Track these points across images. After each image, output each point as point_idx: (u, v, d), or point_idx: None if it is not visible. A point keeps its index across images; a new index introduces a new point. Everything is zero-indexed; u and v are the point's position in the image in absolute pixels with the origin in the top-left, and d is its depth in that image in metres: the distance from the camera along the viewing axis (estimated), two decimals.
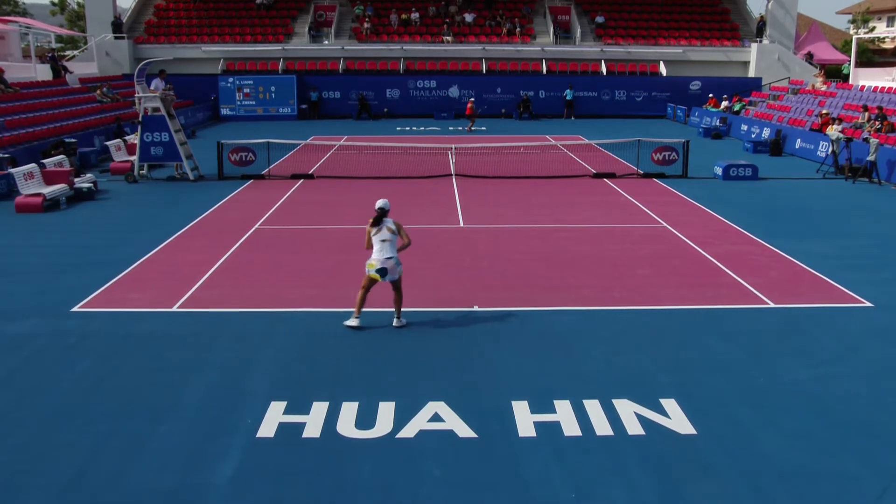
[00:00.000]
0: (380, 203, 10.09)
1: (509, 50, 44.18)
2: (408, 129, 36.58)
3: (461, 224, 16.46)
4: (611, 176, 22.66)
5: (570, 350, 9.58)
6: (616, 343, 9.83)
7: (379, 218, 10.04)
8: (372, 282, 10.08)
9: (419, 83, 42.31)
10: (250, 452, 7.16)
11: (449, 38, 44.40)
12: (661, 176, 22.68)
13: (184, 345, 9.71)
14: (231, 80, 40.80)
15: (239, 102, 40.79)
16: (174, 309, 11.03)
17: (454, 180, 21.82)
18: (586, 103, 42.49)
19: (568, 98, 41.84)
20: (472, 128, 35.94)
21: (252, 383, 8.60)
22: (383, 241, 9.96)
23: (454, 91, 42.28)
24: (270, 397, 8.23)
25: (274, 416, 7.82)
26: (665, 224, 16.52)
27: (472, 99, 37.91)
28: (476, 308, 11.03)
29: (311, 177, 22.25)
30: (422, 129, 36.64)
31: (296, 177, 22.11)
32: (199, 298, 11.48)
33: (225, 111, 40.78)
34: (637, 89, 43.01)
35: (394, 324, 10.32)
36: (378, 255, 9.97)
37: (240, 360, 9.23)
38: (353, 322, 10.18)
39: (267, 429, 7.59)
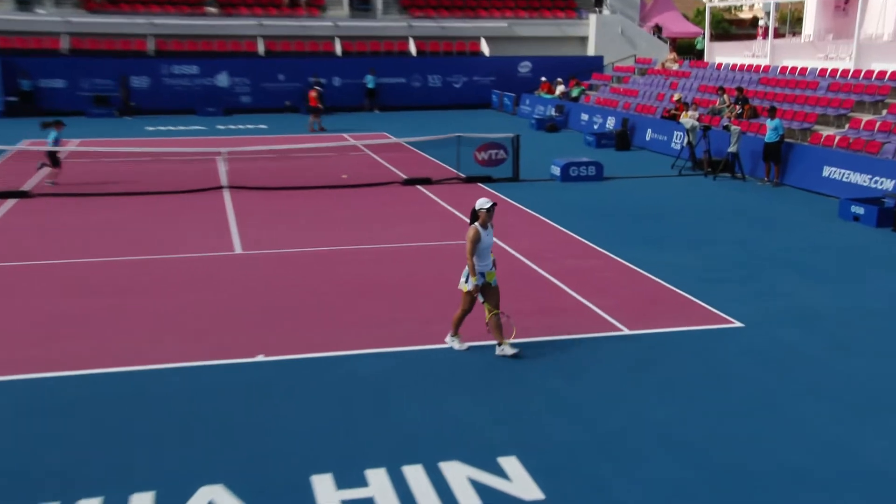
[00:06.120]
0: (483, 202, 10.70)
1: (293, 25, 44.15)
2: (161, 128, 35.69)
3: (238, 250, 16.14)
4: (426, 182, 23.07)
5: (384, 403, 9.59)
6: (440, 390, 9.94)
7: (487, 219, 10.70)
8: (472, 302, 10.89)
9: (175, 69, 41.34)
10: None
11: (213, 10, 43.77)
12: (487, 179, 23.37)
13: None
14: None
15: None
16: None
17: (226, 194, 21.44)
18: (392, 92, 43.19)
19: (369, 86, 42.36)
20: (322, 126, 34.81)
21: None
22: (489, 246, 10.77)
23: (223, 79, 41.66)
24: None
25: None
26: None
27: (316, 84, 36.49)
28: (261, 357, 10.84)
29: (26, 195, 21.19)
30: (180, 128, 35.84)
31: (5, 196, 20.96)
32: None
33: None
34: (454, 73, 44.19)
35: (457, 345, 11.23)
36: (485, 261, 10.77)
37: None
38: (508, 351, 10.85)
39: None
